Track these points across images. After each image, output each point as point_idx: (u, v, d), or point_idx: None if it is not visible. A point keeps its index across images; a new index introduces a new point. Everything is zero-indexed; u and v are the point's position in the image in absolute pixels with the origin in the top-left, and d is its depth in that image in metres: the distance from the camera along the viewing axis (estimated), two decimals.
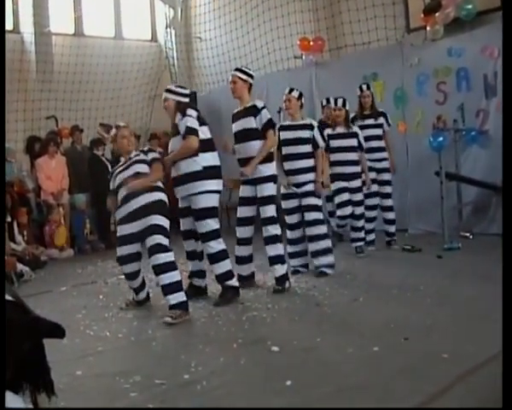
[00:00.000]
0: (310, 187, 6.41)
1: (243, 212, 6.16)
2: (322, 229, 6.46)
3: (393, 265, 6.83)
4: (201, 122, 5.55)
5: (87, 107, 11.40)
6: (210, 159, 5.52)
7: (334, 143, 7.29)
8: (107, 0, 12.89)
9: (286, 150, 6.46)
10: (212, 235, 5.52)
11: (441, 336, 4.16)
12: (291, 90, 6.56)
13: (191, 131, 5.40)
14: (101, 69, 11.71)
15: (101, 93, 11.52)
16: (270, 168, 6.00)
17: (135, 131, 11.57)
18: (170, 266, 5.07)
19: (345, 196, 7.30)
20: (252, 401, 3.27)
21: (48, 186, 9.60)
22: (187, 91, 5.79)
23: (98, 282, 7.05)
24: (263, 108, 5.94)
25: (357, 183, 7.40)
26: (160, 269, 5.07)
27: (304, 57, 10.65)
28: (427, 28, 8.98)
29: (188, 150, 5.42)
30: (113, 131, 5.66)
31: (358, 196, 7.42)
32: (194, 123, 5.43)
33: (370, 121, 7.82)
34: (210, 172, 5.49)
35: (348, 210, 7.32)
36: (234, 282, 5.63)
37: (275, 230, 5.95)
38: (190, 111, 5.48)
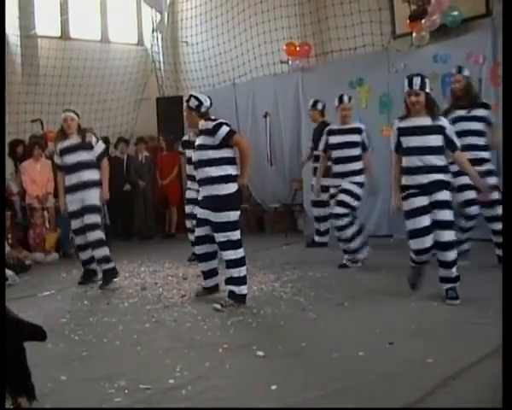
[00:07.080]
0: None
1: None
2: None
3: (379, 270, 6.85)
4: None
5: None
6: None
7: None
8: (93, 3, 12.84)
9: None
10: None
11: (426, 341, 4.18)
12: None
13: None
14: (88, 72, 11.64)
15: (86, 97, 11.44)
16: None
17: (120, 134, 11.60)
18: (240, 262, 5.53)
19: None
20: (237, 406, 3.26)
21: (33, 190, 9.52)
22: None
23: (83, 286, 7.00)
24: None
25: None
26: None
27: (290, 62, 10.66)
28: (413, 34, 9.03)
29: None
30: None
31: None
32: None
33: (462, 112, 6.41)
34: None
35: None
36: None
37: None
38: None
